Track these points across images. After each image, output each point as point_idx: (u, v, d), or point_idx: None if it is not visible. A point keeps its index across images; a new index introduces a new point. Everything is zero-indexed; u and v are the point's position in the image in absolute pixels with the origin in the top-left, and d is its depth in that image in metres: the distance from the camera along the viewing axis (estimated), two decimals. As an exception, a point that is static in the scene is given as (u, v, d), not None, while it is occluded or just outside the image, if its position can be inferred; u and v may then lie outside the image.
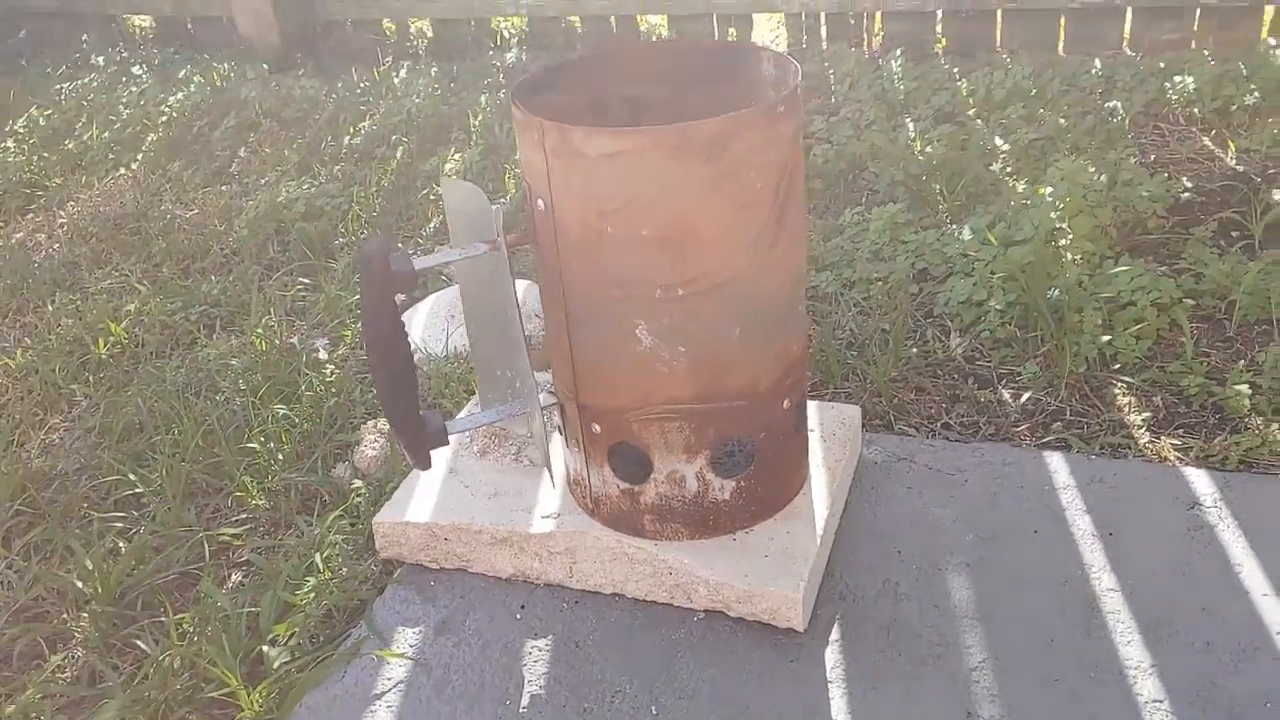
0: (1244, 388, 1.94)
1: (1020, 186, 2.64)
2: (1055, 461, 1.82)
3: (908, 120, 3.19)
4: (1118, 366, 2.07)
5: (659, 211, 1.35)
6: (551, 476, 1.63)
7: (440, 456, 1.80)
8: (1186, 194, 2.62)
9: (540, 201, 1.41)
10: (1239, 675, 1.42)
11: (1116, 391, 2.02)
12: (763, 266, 1.43)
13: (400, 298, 2.57)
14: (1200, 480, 1.75)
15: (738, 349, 1.45)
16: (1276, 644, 1.46)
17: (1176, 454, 1.85)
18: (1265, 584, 1.55)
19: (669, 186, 1.33)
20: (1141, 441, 1.89)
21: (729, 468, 1.54)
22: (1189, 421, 1.93)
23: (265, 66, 4.23)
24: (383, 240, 1.39)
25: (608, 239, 1.37)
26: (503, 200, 3.01)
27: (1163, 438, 1.89)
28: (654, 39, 4.08)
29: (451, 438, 1.81)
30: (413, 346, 2.25)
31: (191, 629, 1.68)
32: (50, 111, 4.11)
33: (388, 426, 2.04)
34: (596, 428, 1.52)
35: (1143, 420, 1.94)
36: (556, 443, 1.72)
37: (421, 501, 1.70)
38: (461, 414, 1.89)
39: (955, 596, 1.57)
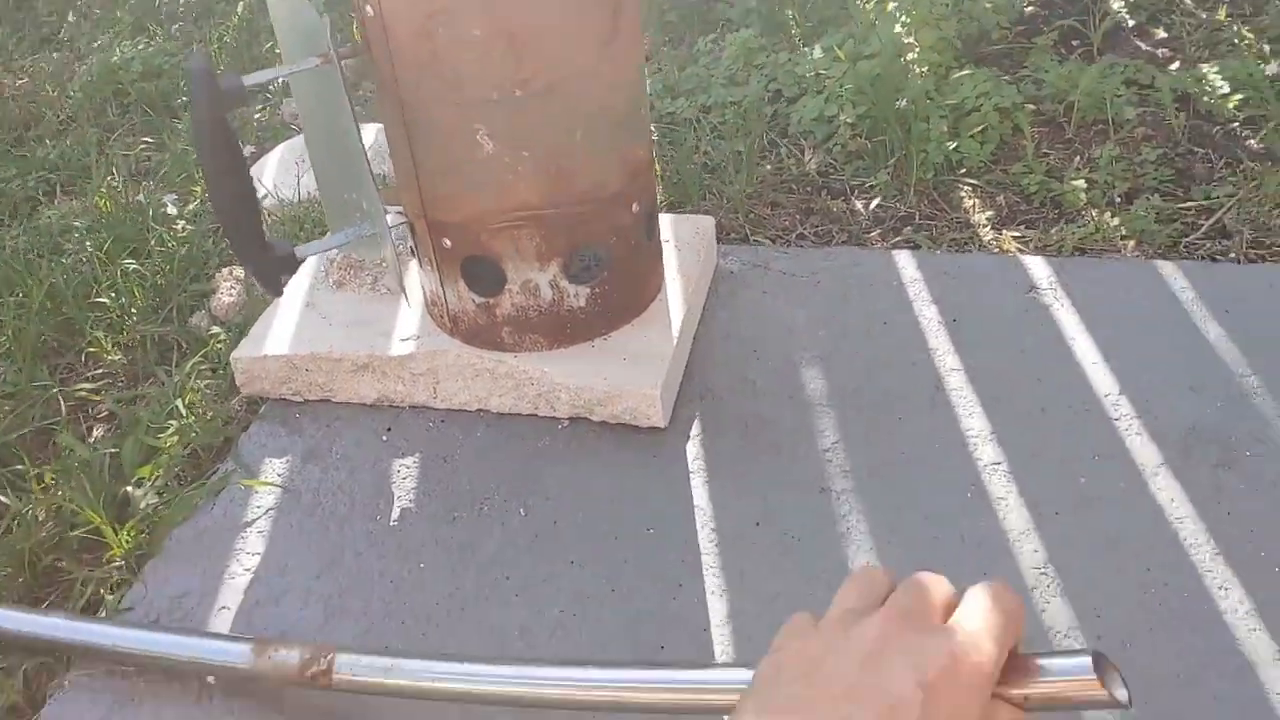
0: (1080, 183, 2.02)
1: (870, 5, 2.66)
2: (904, 259, 1.88)
3: (760, -50, 3.16)
4: (963, 171, 2.13)
5: (489, 8, 1.32)
6: (406, 296, 1.62)
7: (296, 291, 1.78)
8: (1030, 7, 2.67)
9: (369, 7, 1.37)
10: (1071, 435, 1.51)
11: (962, 194, 2.09)
12: (600, 65, 1.42)
13: (248, 149, 2.50)
14: (1037, 266, 1.83)
15: (581, 151, 1.45)
16: (1105, 406, 1.55)
17: (1017, 245, 1.92)
18: (1095, 354, 1.64)
19: (497, -19, 1.31)
20: (986, 238, 1.96)
21: (582, 274, 1.55)
22: (1029, 217, 2.01)
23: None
24: (205, 55, 1.34)
25: (439, 41, 1.34)
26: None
27: (1005, 232, 1.96)
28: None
29: (305, 274, 1.79)
30: (264, 193, 2.20)
31: (54, 480, 1.66)
32: None
33: (239, 263, 2.00)
34: (447, 242, 1.52)
35: (986, 219, 2.01)
36: (413, 266, 1.71)
37: (279, 335, 1.69)
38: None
39: (809, 388, 1.63)
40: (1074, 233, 1.91)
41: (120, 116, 2.77)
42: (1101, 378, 1.60)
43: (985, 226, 1.99)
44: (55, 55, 3.18)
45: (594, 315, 1.58)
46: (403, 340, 1.64)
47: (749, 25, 2.70)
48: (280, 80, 1.45)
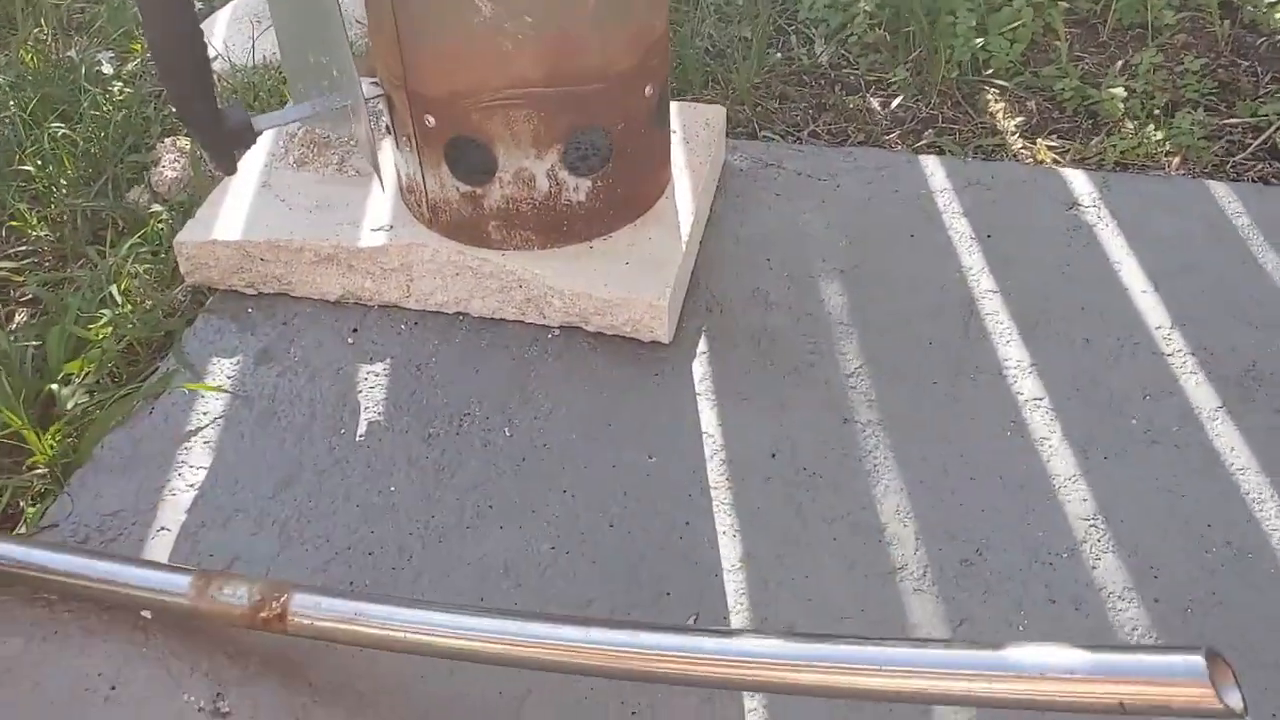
0: (1119, 90, 1.85)
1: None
2: (931, 165, 1.70)
3: None
4: (990, 71, 1.95)
5: None
6: (381, 180, 1.42)
7: (251, 168, 1.57)
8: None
9: None
10: (1118, 369, 1.36)
11: (989, 97, 1.91)
12: (620, -83, 1.21)
13: (196, 5, 2.24)
14: (1079, 180, 1.66)
15: (593, 20, 1.25)
16: (1155, 339, 1.40)
17: (1053, 156, 1.75)
18: (1144, 281, 1.49)
19: None
20: (1016, 146, 1.79)
21: (584, 164, 1.36)
22: (1063, 126, 1.83)
23: None
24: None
25: (434, -125, 1.13)
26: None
27: (1038, 141, 1.79)
28: None
29: (261, 148, 1.58)
30: (214, 54, 1.96)
31: (-33, 372, 1.45)
32: None
33: (186, 132, 1.78)
34: (430, 120, 1.31)
35: (1016, 125, 1.84)
36: (387, 146, 1.50)
37: (231, 218, 1.48)
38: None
39: (829, 304, 1.47)
40: (1114, 145, 1.74)
41: (51, -37, 2.48)
42: (1151, 307, 1.45)
43: (1015, 134, 1.82)
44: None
45: (594, 212, 1.39)
46: (373, 230, 1.44)
47: (755, -101, 2.46)
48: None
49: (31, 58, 2.06)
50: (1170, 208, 1.61)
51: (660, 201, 1.47)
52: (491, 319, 1.45)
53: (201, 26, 2.04)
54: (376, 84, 1.36)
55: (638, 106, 1.35)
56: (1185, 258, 1.52)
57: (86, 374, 1.43)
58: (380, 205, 1.48)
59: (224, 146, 1.29)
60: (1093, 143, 1.77)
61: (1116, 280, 1.49)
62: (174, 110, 1.59)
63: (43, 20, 2.22)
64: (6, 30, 2.23)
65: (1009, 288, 1.48)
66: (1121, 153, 1.74)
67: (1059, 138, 1.80)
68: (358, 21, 2.01)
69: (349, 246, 1.42)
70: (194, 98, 1.24)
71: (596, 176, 1.37)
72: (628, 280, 1.37)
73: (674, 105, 1.63)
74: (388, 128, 1.42)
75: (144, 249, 1.63)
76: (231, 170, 1.32)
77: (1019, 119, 1.85)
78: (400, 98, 1.32)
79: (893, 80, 1.94)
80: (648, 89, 1.35)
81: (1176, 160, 1.73)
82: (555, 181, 1.35)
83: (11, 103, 1.93)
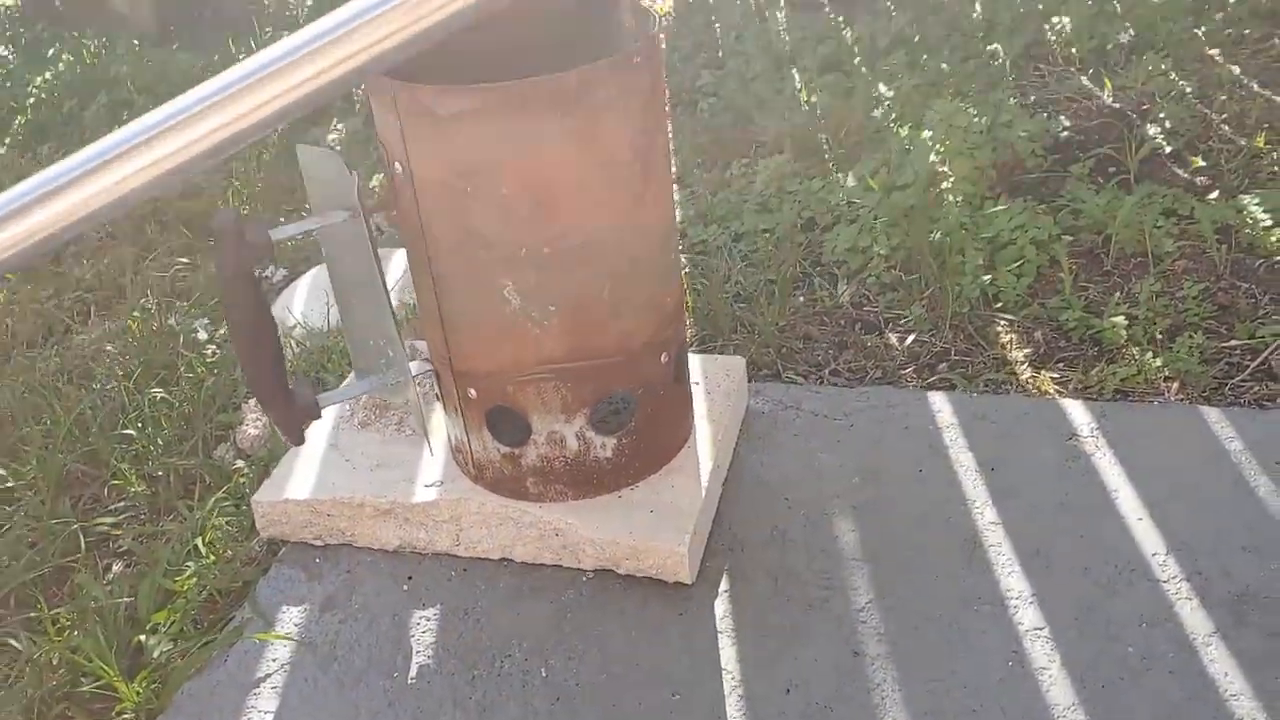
0: (1120, 319, 1.98)
1: (904, 132, 2.66)
2: (939, 401, 1.84)
3: (793, 70, 3.19)
4: (1000, 305, 2.10)
5: (517, 168, 1.32)
6: (430, 445, 1.60)
7: (321, 430, 1.76)
8: (1065, 133, 2.66)
9: (397, 165, 1.37)
10: (1116, 598, 1.45)
11: (999, 329, 2.05)
12: (630, 220, 1.41)
13: (280, 273, 2.51)
14: (1077, 411, 1.78)
15: (609, 305, 1.43)
16: (1152, 566, 1.49)
17: (1056, 387, 1.88)
18: (1140, 509, 1.58)
19: (525, 143, 1.30)
20: (1023, 377, 1.91)
21: (609, 425, 1.52)
22: (1068, 355, 1.96)
23: (136, 42, 4.08)
24: (234, 212, 1.34)
25: (468, 199, 1.34)
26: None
27: (1043, 372, 1.92)
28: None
29: (330, 411, 1.77)
30: (293, 322, 2.20)
31: (68, 623, 1.63)
32: (-90, 97, 3.92)
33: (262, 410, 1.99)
34: (472, 392, 1.50)
35: (1024, 356, 1.97)
36: (437, 409, 1.69)
37: (302, 478, 1.66)
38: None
39: (842, 540, 1.58)
40: (1115, 373, 1.86)
41: (159, 233, 2.80)
42: (1147, 535, 1.54)
43: (1023, 364, 1.95)
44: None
45: (621, 465, 1.55)
46: (426, 486, 1.61)
47: (782, 150, 2.71)
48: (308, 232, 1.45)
49: (137, 326, 2.33)
50: (1165, 435, 1.71)
51: (683, 451, 1.62)
52: (532, 564, 1.59)
53: (284, 295, 2.29)
54: (427, 359, 1.55)
55: (656, 372, 1.52)
56: (1180, 485, 1.61)
57: (172, 623, 1.59)
58: (433, 463, 1.65)
59: (294, 423, 1.48)
60: (1094, 371, 1.89)
61: (1113, 508, 1.59)
62: (252, 392, 1.81)
63: (149, 290, 2.50)
64: (118, 300, 2.52)
65: (1011, 519, 1.59)
66: (1122, 380, 1.85)
67: (1065, 366, 1.93)
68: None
69: (405, 502, 1.59)
70: (267, 381, 1.44)
71: (621, 434, 1.53)
72: (652, 528, 1.50)
73: (698, 358, 1.80)
74: (438, 396, 1.60)
75: (227, 503, 1.82)
76: (300, 442, 1.50)
77: (1027, 349, 1.98)
78: (446, 374, 1.51)
79: (908, 316, 2.10)
80: (664, 356, 1.52)
81: (1175, 385, 1.84)
82: (584, 441, 1.51)
83: (119, 369, 2.18)
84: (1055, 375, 1.90)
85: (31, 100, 3.73)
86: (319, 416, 1.49)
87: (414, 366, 1.50)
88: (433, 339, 1.51)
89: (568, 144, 1.32)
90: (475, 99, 1.28)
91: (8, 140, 3.52)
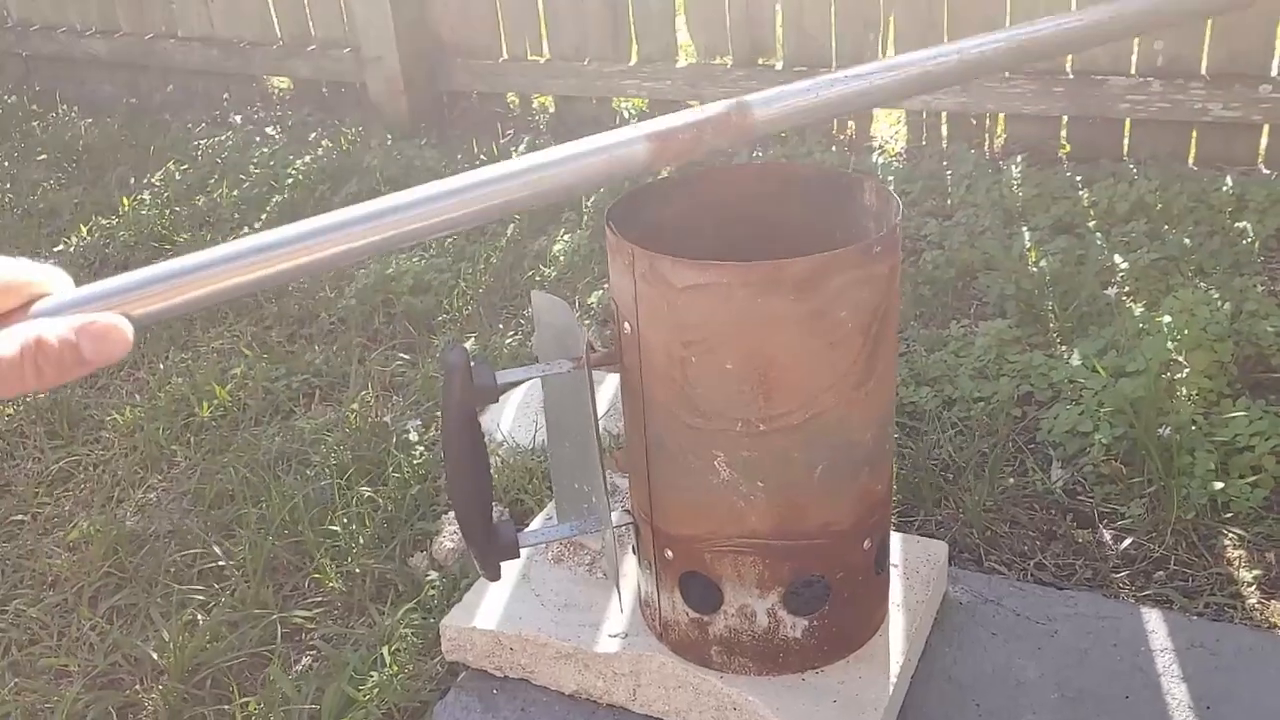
0: (1367, 551, 1.82)
1: (1137, 310, 2.55)
2: (1154, 620, 1.72)
3: (1024, 229, 3.12)
4: (1229, 516, 1.96)
5: (744, 345, 1.32)
6: (620, 599, 1.60)
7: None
8: (1317, 329, 2.49)
9: (627, 324, 1.40)
10: None
11: (1227, 543, 1.91)
12: (849, 406, 1.39)
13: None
14: (1312, 655, 1.63)
15: (818, 487, 1.41)
16: None
17: (1288, 621, 1.73)
18: (1379, 782, 1.43)
19: (755, 322, 1.30)
20: (1250, 603, 1.78)
21: (802, 605, 1.49)
22: (1305, 584, 1.81)
23: (389, 136, 4.34)
24: (463, 351, 1.39)
25: (691, 369, 1.35)
26: (588, 313, 3.01)
27: (1274, 601, 1.77)
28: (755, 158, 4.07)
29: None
30: (500, 438, 2.25)
31: (255, 713, 1.69)
32: (186, 166, 4.28)
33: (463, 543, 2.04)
34: (669, 553, 1.49)
35: (1253, 578, 1.83)
36: (631, 559, 1.69)
37: (490, 607, 1.69)
38: (535, 524, 1.88)
39: (1034, 761, 1.49)
40: (1358, 615, 1.71)
41: (385, 325, 2.94)
42: (1385, 816, 1.39)
43: (1251, 587, 1.81)
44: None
45: (809, 647, 1.51)
46: (611, 636, 1.60)
47: (1005, 314, 2.63)
48: (532, 379, 1.49)
49: (355, 418, 2.44)
50: None
51: (874, 639, 1.57)
52: (705, 733, 1.56)
53: (494, 408, 2.35)
54: (629, 512, 1.56)
55: (856, 558, 1.49)
56: None
57: (351, 732, 1.63)
58: (619, 611, 1.65)
59: (492, 559, 1.50)
60: (1334, 611, 1.74)
61: (1348, 778, 1.44)
62: (458, 526, 1.86)
63: (370, 382, 2.62)
64: (341, 388, 2.65)
65: (1227, 770, 1.46)
66: (1366, 624, 1.70)
67: (1299, 597, 1.78)
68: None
69: (587, 649, 1.59)
70: (473, 517, 1.47)
71: (814, 617, 1.49)
72: (834, 718, 1.45)
73: (898, 537, 1.75)
74: (634, 548, 1.61)
75: (415, 615, 1.86)
76: (496, 578, 1.53)
77: (1257, 571, 1.84)
78: (646, 530, 1.51)
79: (1126, 514, 1.99)
80: (866, 543, 1.49)
81: None
82: (774, 619, 1.48)
83: (334, 459, 2.29)
84: (1288, 607, 1.76)
85: (290, 181, 4.02)
86: (517, 556, 1.52)
87: (615, 517, 1.51)
88: (637, 495, 1.52)
89: (798, 326, 1.31)
90: (712, 275, 1.29)
91: (264, 216, 3.79)
